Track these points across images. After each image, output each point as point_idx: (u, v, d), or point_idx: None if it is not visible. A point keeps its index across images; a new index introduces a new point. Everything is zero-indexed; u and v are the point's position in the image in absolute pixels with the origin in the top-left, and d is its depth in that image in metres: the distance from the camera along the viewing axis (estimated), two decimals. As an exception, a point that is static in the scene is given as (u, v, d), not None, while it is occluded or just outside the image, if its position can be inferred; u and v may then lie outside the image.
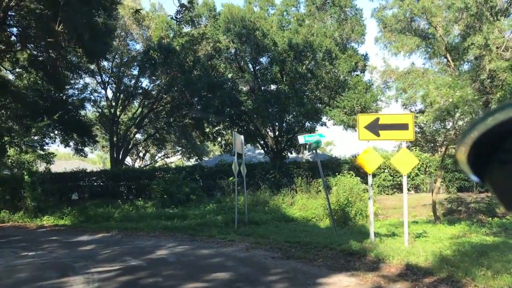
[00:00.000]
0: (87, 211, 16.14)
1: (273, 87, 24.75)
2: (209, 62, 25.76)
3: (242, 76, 24.51)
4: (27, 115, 17.09)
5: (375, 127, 9.42)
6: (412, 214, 16.85)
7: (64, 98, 22.70)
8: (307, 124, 25.88)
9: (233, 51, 23.45)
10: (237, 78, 26.22)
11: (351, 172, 16.67)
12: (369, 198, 9.69)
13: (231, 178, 21.01)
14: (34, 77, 21.53)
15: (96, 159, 67.84)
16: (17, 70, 21.26)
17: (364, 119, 9.53)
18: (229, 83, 24.61)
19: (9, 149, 15.62)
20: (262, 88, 24.41)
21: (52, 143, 24.18)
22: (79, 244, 10.42)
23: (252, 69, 25.40)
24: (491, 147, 0.77)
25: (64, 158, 57.38)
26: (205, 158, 43.64)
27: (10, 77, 21.95)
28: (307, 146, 12.56)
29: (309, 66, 22.78)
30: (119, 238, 11.36)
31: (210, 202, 18.26)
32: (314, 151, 12.39)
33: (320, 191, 17.34)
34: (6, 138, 15.51)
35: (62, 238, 11.62)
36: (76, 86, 28.15)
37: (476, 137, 0.76)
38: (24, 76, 21.68)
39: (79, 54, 17.51)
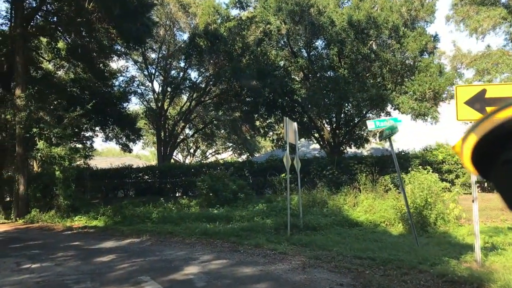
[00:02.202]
0: (123, 210, 14.46)
1: (329, 74, 22.14)
2: (259, 49, 23.59)
3: (295, 62, 22.09)
4: (62, 106, 15.75)
5: (480, 102, 6.81)
6: (502, 218, 13.77)
7: (105, 89, 21.34)
8: (369, 114, 23.13)
9: (284, 32, 21.06)
10: (290, 65, 23.86)
11: (428, 167, 13.89)
12: (472, 201, 7.04)
13: (283, 175, 18.77)
14: (76, 68, 20.45)
15: (150, 156, 67.96)
16: (58, 61, 20.23)
17: (464, 92, 6.94)
18: (281, 70, 22.28)
19: (39, 141, 14.26)
20: (318, 74, 21.87)
21: (92, 137, 23.01)
22: (98, 253, 8.56)
23: (306, 54, 22.95)
24: (496, 145, 0.75)
25: (119, 155, 57.71)
26: (256, 155, 41.73)
27: (51, 68, 21.00)
28: (377, 135, 10.07)
29: (372, 47, 19.96)
30: (148, 245, 9.41)
31: (260, 201, 16.09)
32: (387, 140, 9.84)
33: (389, 189, 14.65)
34: (34, 130, 14.16)
35: (84, 244, 9.86)
36: (121, 79, 27.08)
37: (482, 135, 0.75)
38: (64, 66, 20.63)
39: (113, 35, 15.94)
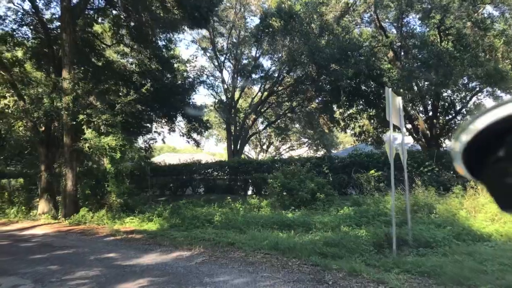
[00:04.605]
0: (181, 211, 12.24)
1: (427, 49, 18.47)
2: (339, 28, 20.50)
3: (384, 38, 18.72)
4: (114, 90, 13.97)
5: None
6: None
7: (169, 76, 19.46)
8: (474, 99, 19.25)
9: (372, 1, 17.76)
10: (376, 45, 20.45)
11: None
12: None
13: (371, 171, 15.65)
14: (138, 54, 18.82)
15: (224, 153, 66.97)
16: (119, 46, 18.68)
17: None
18: (367, 49, 18.96)
19: (86, 130, 12.45)
20: (412, 51, 18.28)
21: (160, 132, 21.24)
22: (127, 275, 6.18)
23: (395, 30, 19.50)
24: (487, 145, 0.76)
25: (194, 152, 57.16)
26: (334, 151, 38.46)
27: (115, 55, 19.54)
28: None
29: (483, 13, 16.06)
30: (198, 264, 6.86)
31: (344, 203, 13.11)
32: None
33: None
34: (81, 117, 12.36)
35: (119, 257, 7.57)
36: (189, 68, 25.25)
37: (473, 135, 0.75)
38: (125, 53, 19.06)
39: (168, 5, 13.74)
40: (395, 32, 20.22)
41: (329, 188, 14.61)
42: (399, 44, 19.14)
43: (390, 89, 7.82)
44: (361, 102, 22.85)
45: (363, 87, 21.18)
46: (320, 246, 7.47)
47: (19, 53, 16.25)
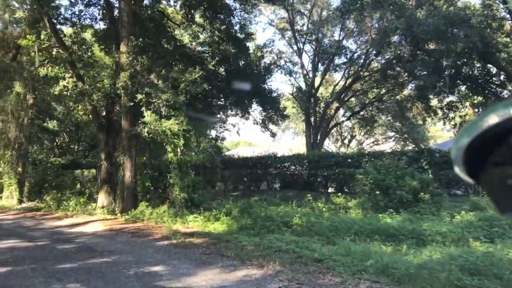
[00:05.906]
0: (253, 210, 10.20)
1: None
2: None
3: (504, 2, 15.29)
4: (178, 67, 12.26)
5: None
6: None
7: (243, 56, 17.58)
8: None
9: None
10: (489, 18, 16.92)
11: None
12: None
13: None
14: (211, 38, 17.17)
15: (303, 148, 64.49)
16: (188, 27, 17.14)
17: None
18: (480, 18, 15.59)
19: (146, 112, 10.79)
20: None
21: (221, 117, 19.41)
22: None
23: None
24: (486, 149, 0.74)
25: (270, 146, 55.41)
26: (422, 146, 34.42)
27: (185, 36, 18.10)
28: None
29: None
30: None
31: (459, 207, 10.28)
32: None
33: None
34: (140, 97, 10.68)
35: (165, 273, 5.59)
36: (266, 53, 23.27)
37: (472, 139, 0.73)
38: (198, 33, 17.44)
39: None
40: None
41: (435, 187, 11.75)
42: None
43: None
44: (463, 87, 19.59)
45: (466, 69, 17.94)
46: (455, 272, 4.92)
47: (86, 36, 15.37)
